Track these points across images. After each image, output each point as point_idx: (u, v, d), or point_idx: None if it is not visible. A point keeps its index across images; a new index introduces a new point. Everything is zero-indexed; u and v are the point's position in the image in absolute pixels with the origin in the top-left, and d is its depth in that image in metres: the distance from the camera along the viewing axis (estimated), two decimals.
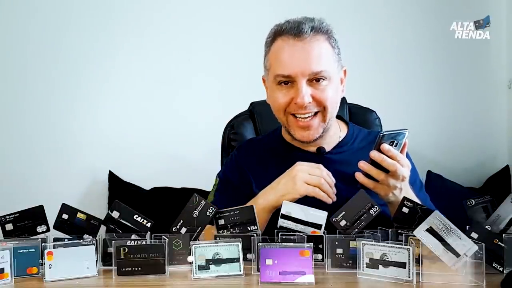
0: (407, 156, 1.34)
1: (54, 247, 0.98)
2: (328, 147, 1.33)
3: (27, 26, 2.43)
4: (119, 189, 2.39)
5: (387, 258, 0.94)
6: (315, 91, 1.22)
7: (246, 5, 2.43)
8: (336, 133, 1.35)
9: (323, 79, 1.22)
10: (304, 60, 1.20)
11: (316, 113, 1.24)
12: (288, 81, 1.23)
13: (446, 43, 2.38)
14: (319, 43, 1.22)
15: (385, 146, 1.10)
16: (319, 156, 1.30)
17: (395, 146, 1.13)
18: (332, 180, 1.19)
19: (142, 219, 1.07)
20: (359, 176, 1.14)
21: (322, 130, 1.26)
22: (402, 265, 0.92)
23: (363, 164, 1.14)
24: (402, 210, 1.05)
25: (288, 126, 1.28)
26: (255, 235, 1.01)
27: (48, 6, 2.43)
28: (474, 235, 0.97)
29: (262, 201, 1.20)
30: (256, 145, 1.42)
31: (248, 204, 1.21)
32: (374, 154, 1.11)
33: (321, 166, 1.19)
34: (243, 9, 2.43)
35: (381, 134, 1.11)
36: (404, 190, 1.14)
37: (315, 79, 1.22)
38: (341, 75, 1.30)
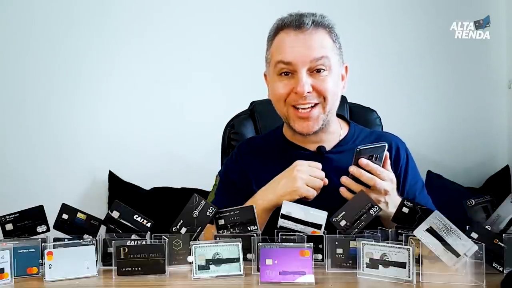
0: (409, 158, 1.34)
1: (54, 247, 0.98)
2: (328, 146, 1.32)
3: (27, 26, 2.44)
4: (119, 189, 2.39)
5: (387, 258, 0.94)
6: (315, 81, 1.22)
7: (247, 4, 2.43)
8: (336, 131, 1.35)
9: (324, 70, 1.22)
10: (305, 48, 1.21)
11: (316, 105, 1.24)
12: (288, 72, 1.23)
13: (446, 43, 2.38)
14: (320, 35, 1.23)
15: (363, 161, 1.12)
16: (319, 155, 1.30)
17: (375, 160, 1.13)
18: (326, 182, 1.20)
19: (142, 219, 1.07)
20: (343, 191, 1.16)
21: (322, 123, 1.26)
22: (402, 265, 0.92)
23: (344, 179, 1.16)
24: (402, 210, 1.05)
25: (288, 118, 1.27)
26: (255, 235, 1.01)
27: (48, 6, 2.43)
28: (474, 235, 0.97)
29: (261, 202, 1.20)
30: (257, 144, 1.42)
31: (247, 203, 1.21)
32: (352, 169, 1.13)
33: (320, 165, 1.20)
34: (243, 9, 2.44)
35: (357, 149, 1.12)
36: (391, 204, 1.14)
37: (315, 70, 1.22)
38: (342, 71, 1.30)
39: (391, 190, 1.15)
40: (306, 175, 1.17)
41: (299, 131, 1.26)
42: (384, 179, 1.13)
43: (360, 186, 1.13)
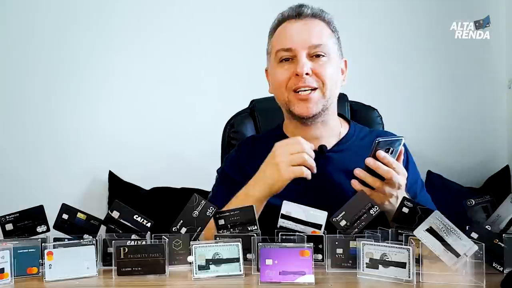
0: (408, 156, 1.34)
1: (54, 247, 0.98)
2: (329, 144, 1.33)
3: (28, 26, 2.44)
4: (119, 189, 2.40)
5: (387, 258, 0.94)
6: (315, 65, 1.25)
7: (245, 6, 2.44)
8: (336, 127, 1.36)
9: (323, 55, 1.25)
10: (304, 34, 1.25)
11: (315, 89, 1.25)
12: (289, 57, 1.26)
13: (446, 43, 2.38)
14: (318, 23, 1.28)
15: (381, 153, 1.11)
16: (321, 154, 1.31)
17: (391, 153, 1.13)
18: (312, 154, 1.18)
19: (142, 219, 1.07)
20: (355, 183, 1.14)
21: (321, 107, 1.26)
22: (402, 265, 0.92)
23: (358, 172, 1.14)
24: (402, 210, 1.05)
25: (289, 103, 1.28)
26: (255, 235, 1.01)
27: (49, 6, 2.43)
28: (474, 235, 0.97)
29: (252, 193, 1.19)
30: (258, 142, 1.42)
31: (238, 195, 1.21)
32: (369, 161, 1.11)
33: (300, 139, 1.18)
34: (243, 10, 2.44)
35: (376, 141, 1.11)
36: (400, 199, 1.13)
37: (315, 55, 1.25)
38: (342, 64, 1.33)
39: (403, 185, 1.14)
40: (286, 157, 1.16)
41: (299, 113, 1.27)
42: (399, 173, 1.12)
43: (375, 179, 1.11)
